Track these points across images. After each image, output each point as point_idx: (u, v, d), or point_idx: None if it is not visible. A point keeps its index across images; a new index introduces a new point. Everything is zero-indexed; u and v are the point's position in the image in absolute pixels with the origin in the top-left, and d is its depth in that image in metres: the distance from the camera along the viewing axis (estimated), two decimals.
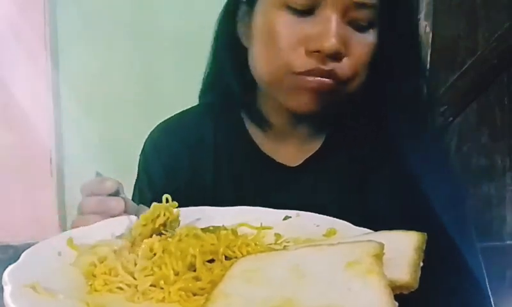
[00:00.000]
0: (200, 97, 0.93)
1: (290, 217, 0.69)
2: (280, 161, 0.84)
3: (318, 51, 0.72)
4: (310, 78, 0.73)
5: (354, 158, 0.82)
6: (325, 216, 0.67)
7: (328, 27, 0.72)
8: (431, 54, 2.12)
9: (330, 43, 0.71)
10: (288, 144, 0.84)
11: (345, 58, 0.73)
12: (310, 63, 0.73)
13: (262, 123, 0.84)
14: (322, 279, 0.48)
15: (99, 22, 2.07)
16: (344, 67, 0.73)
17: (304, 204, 0.72)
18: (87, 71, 2.06)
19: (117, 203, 0.67)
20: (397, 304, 0.44)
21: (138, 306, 0.52)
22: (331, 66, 0.73)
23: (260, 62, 0.78)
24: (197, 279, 0.54)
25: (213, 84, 0.89)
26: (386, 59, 0.77)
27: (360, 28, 0.74)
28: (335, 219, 0.66)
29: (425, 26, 2.11)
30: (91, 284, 0.54)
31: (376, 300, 0.43)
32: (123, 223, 0.66)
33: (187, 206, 0.68)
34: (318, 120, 0.83)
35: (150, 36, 2.07)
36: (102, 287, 0.54)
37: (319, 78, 0.73)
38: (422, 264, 0.51)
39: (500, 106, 2.26)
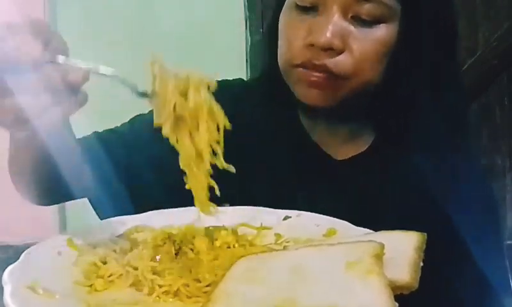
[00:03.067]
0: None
1: (291, 217, 0.69)
2: (328, 153, 0.84)
3: (313, 44, 0.73)
4: (305, 71, 0.74)
5: (400, 160, 0.81)
6: (325, 216, 0.67)
7: (325, 22, 0.73)
8: None
9: (324, 37, 0.72)
10: (336, 138, 0.84)
11: (343, 53, 0.73)
12: (305, 56, 0.74)
13: (305, 111, 0.85)
14: (322, 279, 0.48)
15: (99, 22, 2.07)
16: (339, 62, 0.73)
17: (342, 198, 0.77)
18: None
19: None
20: (397, 304, 0.44)
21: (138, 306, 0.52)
22: (323, 60, 0.73)
23: (279, 57, 0.80)
24: (197, 280, 0.54)
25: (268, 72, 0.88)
26: (416, 56, 0.76)
27: (365, 23, 0.73)
28: (335, 219, 0.66)
29: None
30: (91, 285, 0.54)
31: (376, 301, 0.43)
32: (123, 223, 0.66)
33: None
34: (339, 115, 0.82)
35: (150, 35, 2.06)
36: (102, 287, 0.54)
37: (312, 71, 0.74)
38: (422, 264, 0.51)
39: (500, 106, 2.25)
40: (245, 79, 0.96)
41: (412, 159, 0.80)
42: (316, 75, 0.74)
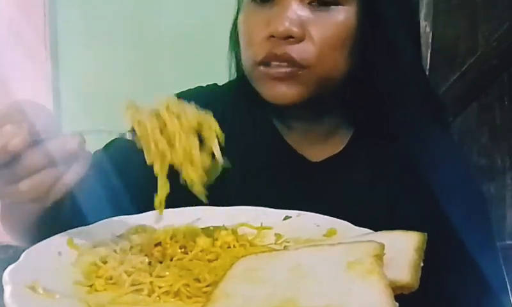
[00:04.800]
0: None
1: (291, 217, 0.69)
2: (304, 155, 0.82)
3: (272, 36, 0.71)
4: (267, 68, 0.73)
5: (378, 158, 0.80)
6: (325, 216, 0.67)
7: (282, 11, 0.71)
8: (431, 54, 2.12)
9: (282, 26, 0.70)
10: (311, 138, 0.82)
11: (304, 41, 0.71)
12: (266, 49, 0.72)
13: (276, 113, 0.83)
14: (322, 279, 0.48)
15: (99, 22, 2.07)
16: (301, 50, 0.71)
17: (320, 200, 0.75)
18: (87, 71, 2.06)
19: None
20: (397, 304, 0.44)
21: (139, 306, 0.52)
22: (284, 50, 0.71)
23: (242, 58, 0.78)
24: (197, 280, 0.54)
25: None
26: (382, 39, 0.74)
27: (323, 7, 0.72)
28: (335, 219, 0.66)
29: (425, 26, 2.11)
30: (91, 285, 0.54)
31: (377, 301, 0.43)
32: (123, 223, 0.66)
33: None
34: (311, 114, 0.79)
35: (150, 35, 2.06)
36: (102, 287, 0.54)
37: (275, 67, 0.72)
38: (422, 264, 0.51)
39: (500, 106, 2.25)
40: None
41: (394, 153, 0.79)
42: (279, 71, 0.72)
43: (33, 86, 2.08)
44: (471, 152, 2.23)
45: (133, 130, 0.61)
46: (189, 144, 0.60)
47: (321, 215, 0.67)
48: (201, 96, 0.79)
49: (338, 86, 0.75)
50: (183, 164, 0.59)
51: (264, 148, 0.83)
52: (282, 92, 0.73)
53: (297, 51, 0.71)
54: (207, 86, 0.91)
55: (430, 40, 2.12)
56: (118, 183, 0.76)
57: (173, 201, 0.64)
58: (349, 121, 0.82)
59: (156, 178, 0.61)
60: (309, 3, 0.72)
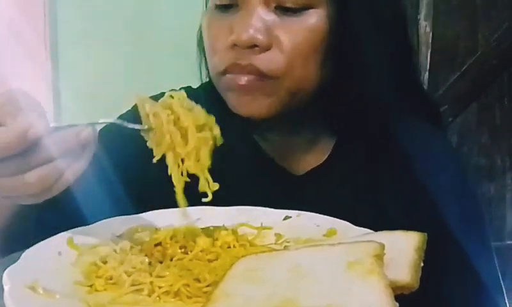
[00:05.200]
0: None
1: (291, 217, 0.69)
2: (285, 167, 0.77)
3: (236, 44, 0.66)
4: (232, 77, 0.68)
5: (361, 169, 0.75)
6: (325, 216, 0.67)
7: (246, 17, 0.66)
8: (431, 54, 2.12)
9: (245, 33, 0.65)
10: (291, 151, 0.77)
11: (271, 49, 0.66)
12: (229, 58, 0.67)
13: (251, 125, 0.76)
14: (322, 279, 0.48)
15: (99, 22, 2.07)
16: (267, 60, 0.66)
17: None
18: (87, 71, 2.06)
19: None
20: (397, 304, 0.44)
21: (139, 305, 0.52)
22: (249, 59, 0.66)
23: (208, 66, 0.73)
24: (197, 280, 0.54)
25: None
26: (358, 42, 0.69)
27: (291, 12, 0.66)
28: (335, 219, 0.66)
29: (425, 26, 2.11)
30: (91, 285, 0.54)
31: (377, 301, 0.43)
32: (123, 223, 0.66)
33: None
34: (288, 124, 0.74)
35: (150, 35, 2.06)
36: (102, 287, 0.54)
37: (240, 75, 0.67)
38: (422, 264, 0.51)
39: (500, 106, 2.26)
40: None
41: (381, 158, 0.74)
42: (243, 83, 0.66)
43: (33, 86, 2.08)
44: (471, 152, 2.23)
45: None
46: (200, 139, 0.60)
47: (321, 215, 0.67)
48: None
49: (313, 96, 0.70)
50: (190, 157, 0.59)
51: (243, 161, 0.76)
52: (248, 105, 0.68)
53: (263, 61, 0.66)
54: (180, 89, 0.83)
55: (430, 40, 2.12)
56: (113, 174, 0.72)
57: (173, 201, 0.64)
58: (330, 129, 0.77)
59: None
60: (276, 8, 0.66)
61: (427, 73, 2.12)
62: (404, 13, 0.77)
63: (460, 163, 0.83)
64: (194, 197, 0.62)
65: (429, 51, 2.12)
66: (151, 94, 0.85)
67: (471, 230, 0.76)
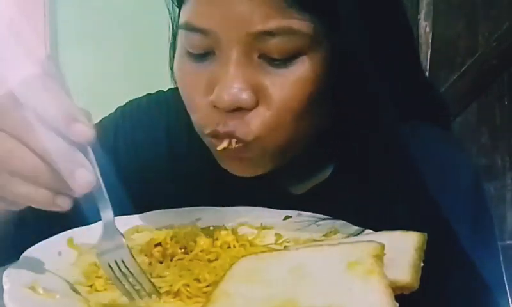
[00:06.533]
0: None
1: (291, 216, 0.69)
2: (285, 186, 0.73)
3: (216, 106, 0.57)
4: (214, 141, 0.60)
5: (364, 188, 0.68)
6: (325, 216, 0.67)
7: (225, 72, 0.56)
8: (431, 54, 2.12)
9: (226, 95, 0.55)
10: (292, 170, 0.71)
11: (257, 108, 0.57)
12: (211, 123, 0.59)
13: None
14: (322, 279, 0.48)
15: (99, 22, 2.07)
16: (251, 124, 0.57)
17: None
18: (87, 71, 2.06)
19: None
20: (397, 304, 0.44)
21: (139, 306, 0.52)
22: (230, 126, 0.57)
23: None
24: (198, 280, 0.54)
25: None
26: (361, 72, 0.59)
27: (278, 63, 0.56)
28: (335, 219, 0.66)
29: (425, 26, 2.11)
30: (91, 285, 0.54)
31: (377, 301, 0.43)
32: (123, 223, 0.66)
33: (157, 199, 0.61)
34: (288, 168, 0.67)
35: (150, 36, 2.06)
36: (102, 287, 0.54)
37: (221, 141, 0.59)
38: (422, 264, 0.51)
39: (500, 106, 2.26)
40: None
41: (384, 175, 0.68)
42: (226, 144, 0.58)
43: None
44: (471, 152, 2.23)
45: None
46: None
47: (321, 215, 0.67)
48: (152, 107, 0.74)
49: (310, 140, 0.64)
50: None
51: (239, 179, 0.68)
52: (237, 167, 0.63)
53: (248, 125, 0.57)
54: (156, 94, 0.80)
55: (430, 40, 2.12)
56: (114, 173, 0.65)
57: (172, 202, 0.64)
58: (332, 151, 0.71)
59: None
60: (260, 57, 0.56)
61: (427, 73, 2.12)
62: (408, 21, 0.70)
63: (471, 166, 0.81)
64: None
65: (429, 51, 2.12)
66: (150, 94, 0.85)
67: (478, 233, 0.75)
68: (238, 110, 0.57)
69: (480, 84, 2.21)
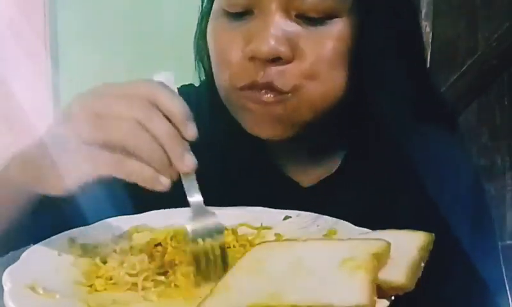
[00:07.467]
0: None
1: (291, 217, 0.69)
2: (293, 178, 0.74)
3: (254, 57, 0.60)
4: (248, 95, 0.62)
5: (372, 181, 0.70)
6: (326, 216, 0.67)
7: (265, 26, 0.60)
8: (431, 54, 2.12)
9: (266, 44, 0.59)
10: (301, 162, 0.73)
11: (293, 62, 0.61)
12: (247, 75, 0.61)
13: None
14: (316, 273, 0.48)
15: (99, 22, 2.07)
16: (289, 74, 0.61)
17: None
18: (87, 71, 2.06)
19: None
20: (382, 300, 0.44)
21: (139, 306, 0.52)
22: (268, 77, 0.60)
23: (215, 79, 0.67)
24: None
25: None
26: (382, 54, 0.65)
27: (315, 22, 0.61)
28: (335, 219, 0.66)
29: (425, 26, 2.11)
30: (91, 285, 0.54)
31: (356, 295, 0.43)
32: (123, 223, 0.66)
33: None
34: (304, 142, 0.69)
35: (150, 35, 2.07)
36: (102, 287, 0.54)
37: (259, 94, 0.61)
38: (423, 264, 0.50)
39: (500, 106, 2.26)
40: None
41: (394, 166, 0.71)
42: (265, 98, 0.61)
43: (33, 86, 2.08)
44: (471, 152, 2.23)
45: None
46: None
47: (321, 215, 0.67)
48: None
49: (332, 110, 0.66)
50: None
51: (249, 169, 0.72)
52: (267, 127, 0.64)
53: (285, 76, 0.61)
54: (181, 87, 0.78)
55: (430, 40, 2.12)
56: None
57: (172, 202, 0.64)
58: (341, 140, 0.73)
59: None
60: (297, 16, 0.61)
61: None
62: (420, 26, 0.76)
63: (471, 166, 0.81)
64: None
65: (429, 51, 2.12)
66: None
67: (478, 233, 0.75)
68: (276, 61, 0.60)
69: (480, 84, 2.22)
